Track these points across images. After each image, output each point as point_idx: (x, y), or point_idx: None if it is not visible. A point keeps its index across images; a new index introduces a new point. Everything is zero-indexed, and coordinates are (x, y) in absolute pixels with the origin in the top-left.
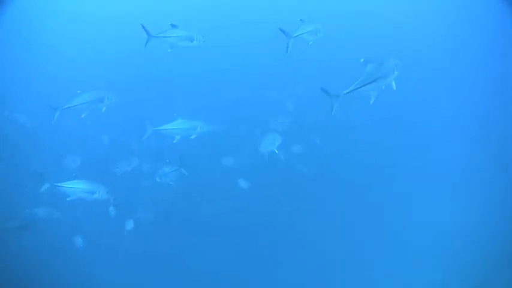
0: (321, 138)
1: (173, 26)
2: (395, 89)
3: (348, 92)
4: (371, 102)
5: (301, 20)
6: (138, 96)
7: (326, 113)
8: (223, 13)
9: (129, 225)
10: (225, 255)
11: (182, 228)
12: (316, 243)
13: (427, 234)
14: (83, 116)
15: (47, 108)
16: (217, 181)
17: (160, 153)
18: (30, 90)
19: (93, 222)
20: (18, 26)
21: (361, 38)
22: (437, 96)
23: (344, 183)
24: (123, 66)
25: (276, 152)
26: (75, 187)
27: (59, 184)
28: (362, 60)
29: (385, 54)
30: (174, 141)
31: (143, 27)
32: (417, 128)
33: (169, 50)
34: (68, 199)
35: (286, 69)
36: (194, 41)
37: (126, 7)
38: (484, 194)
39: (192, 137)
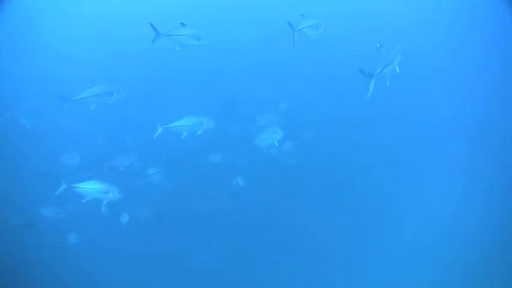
0: (320, 137)
1: (182, 24)
2: (398, 72)
3: (379, 72)
4: (387, 84)
5: (302, 14)
6: (137, 94)
7: (326, 112)
8: (221, 11)
9: (124, 218)
10: (223, 254)
11: (180, 227)
12: (315, 242)
13: (427, 234)
14: (91, 108)
15: (47, 108)
16: (215, 179)
17: (160, 152)
18: (31, 90)
19: (92, 221)
20: (19, 25)
21: (360, 37)
22: (437, 96)
23: (343, 182)
24: (122, 65)
25: (277, 145)
26: (90, 187)
27: (75, 185)
28: (378, 45)
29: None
30: (182, 137)
31: (151, 25)
32: (417, 128)
33: (178, 48)
34: (83, 200)
35: (286, 67)
36: (201, 40)
37: (124, 5)
38: (484, 194)
39: (199, 132)
